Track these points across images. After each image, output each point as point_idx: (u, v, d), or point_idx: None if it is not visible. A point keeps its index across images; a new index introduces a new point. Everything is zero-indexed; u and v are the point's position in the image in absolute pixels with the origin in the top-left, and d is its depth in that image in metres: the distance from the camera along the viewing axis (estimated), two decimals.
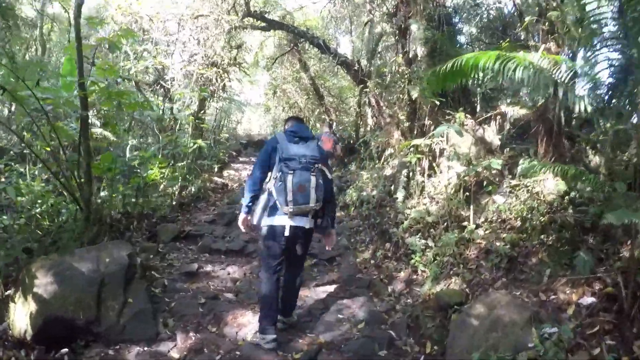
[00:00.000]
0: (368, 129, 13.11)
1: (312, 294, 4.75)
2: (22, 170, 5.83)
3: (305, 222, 3.41)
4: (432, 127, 6.94)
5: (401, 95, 7.10)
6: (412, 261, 4.94)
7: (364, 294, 4.71)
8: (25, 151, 6.57)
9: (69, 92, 5.58)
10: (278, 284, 3.56)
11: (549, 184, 4.54)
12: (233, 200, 8.74)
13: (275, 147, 3.44)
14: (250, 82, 21.87)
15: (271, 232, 3.42)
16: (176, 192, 8.31)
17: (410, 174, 6.58)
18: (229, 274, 5.26)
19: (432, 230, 5.53)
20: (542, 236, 4.01)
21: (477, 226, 4.90)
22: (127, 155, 8.78)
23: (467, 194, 5.38)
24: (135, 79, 10.85)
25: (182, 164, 8.92)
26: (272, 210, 3.39)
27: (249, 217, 3.56)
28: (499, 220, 4.79)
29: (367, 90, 10.03)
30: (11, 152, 6.90)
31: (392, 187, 7.14)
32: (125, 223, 5.78)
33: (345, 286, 4.98)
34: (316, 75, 14.17)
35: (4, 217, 4.73)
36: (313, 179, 3.28)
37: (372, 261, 5.83)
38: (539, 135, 4.88)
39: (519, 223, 4.50)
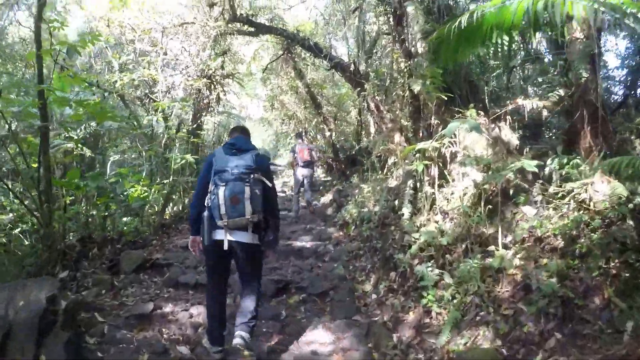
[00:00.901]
0: (371, 137, 12.09)
1: (296, 349, 3.62)
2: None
3: (244, 237, 3.22)
4: (440, 128, 5.86)
5: (401, 93, 6.01)
6: (424, 300, 3.80)
7: (362, 345, 3.58)
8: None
9: (61, 108, 5.46)
10: (218, 302, 3.46)
11: (601, 188, 3.41)
12: None
13: (211, 161, 3.35)
14: (248, 95, 21.11)
15: (207, 247, 3.28)
16: (156, 213, 7.35)
17: (418, 184, 5.46)
18: (190, 316, 4.14)
19: (447, 255, 4.43)
20: (601, 262, 2.87)
21: (505, 247, 3.79)
22: (108, 171, 7.86)
23: (490, 206, 4.28)
24: (120, 92, 9.93)
25: (167, 181, 7.91)
26: (212, 225, 3.22)
27: (198, 239, 3.41)
28: (534, 239, 3.67)
29: (365, 93, 8.97)
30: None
31: (397, 202, 6.03)
32: (81, 250, 4.77)
33: (340, 333, 3.84)
34: (312, 83, 13.14)
35: None
36: (247, 189, 3.15)
37: (374, 295, 4.70)
38: (581, 123, 3.75)
39: (561, 243, 3.38)
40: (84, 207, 5.39)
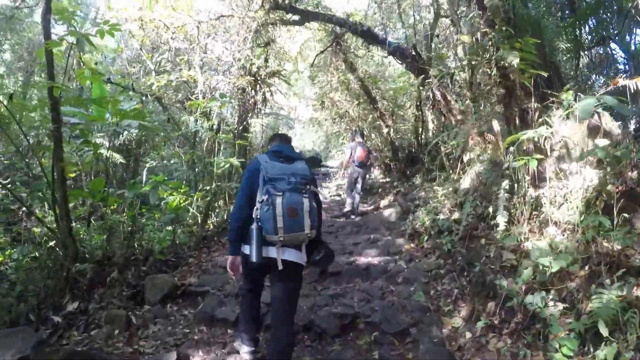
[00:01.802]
0: (430, 133, 10.87)
1: None
2: None
3: (298, 256, 2.88)
4: (537, 115, 4.63)
5: (489, 71, 4.79)
6: (558, 355, 2.64)
7: None
8: None
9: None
10: (254, 306, 3.29)
11: None
12: None
13: (258, 168, 2.91)
14: (296, 95, 20.36)
15: (253, 264, 2.82)
16: (197, 224, 6.56)
17: (516, 186, 4.28)
18: None
19: (569, 282, 3.29)
20: None
21: None
22: (144, 179, 7.21)
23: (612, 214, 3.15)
24: (157, 95, 9.30)
25: (209, 187, 7.10)
26: (263, 241, 2.80)
27: (238, 260, 3.05)
28: None
29: (430, 81, 7.80)
30: None
31: (483, 207, 4.85)
32: (97, 273, 3.94)
33: None
34: (365, 76, 12.01)
35: None
36: (306, 201, 2.79)
37: (468, 334, 3.57)
38: None
39: None
40: (110, 221, 4.62)
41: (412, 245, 5.73)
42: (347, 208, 8.79)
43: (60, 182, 4.24)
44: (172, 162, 9.73)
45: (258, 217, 2.78)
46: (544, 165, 4.42)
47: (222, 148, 9.19)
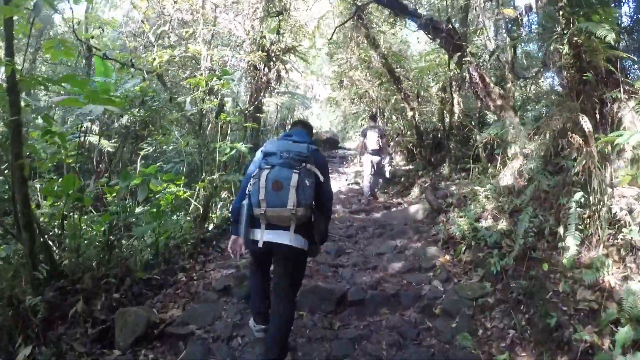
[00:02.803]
0: (455, 117, 9.87)
1: None
2: None
3: (285, 237, 2.69)
4: (616, 106, 3.65)
5: (560, 47, 3.73)
6: None
7: None
8: None
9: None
10: (261, 285, 3.06)
11: None
12: None
13: (262, 150, 2.88)
14: (313, 73, 19.35)
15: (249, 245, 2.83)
16: (193, 226, 5.65)
17: (592, 199, 3.33)
18: None
19: None
20: None
21: None
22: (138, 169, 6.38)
23: None
24: (157, 71, 8.41)
25: (210, 178, 6.16)
26: (251, 220, 2.80)
27: (240, 240, 2.89)
28: None
29: (467, 59, 6.77)
30: None
31: (542, 219, 3.92)
32: (57, 307, 3.12)
33: None
34: (389, 53, 10.90)
35: None
36: (295, 176, 2.65)
37: None
38: None
39: None
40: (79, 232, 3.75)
41: (448, 257, 4.82)
42: (364, 199, 8.95)
43: (20, 184, 3.43)
44: (171, 148, 8.82)
45: (249, 191, 2.76)
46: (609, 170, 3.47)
47: (229, 131, 8.36)
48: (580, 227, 3.39)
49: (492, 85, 6.92)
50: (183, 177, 5.98)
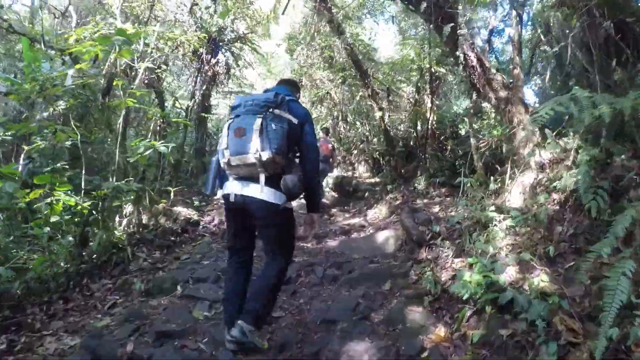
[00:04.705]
0: (429, 124, 8.19)
1: None
2: None
3: (255, 190, 2.47)
4: None
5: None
6: None
7: None
8: None
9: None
10: (237, 273, 2.73)
11: None
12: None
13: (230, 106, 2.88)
14: (271, 73, 17.61)
15: (224, 204, 2.70)
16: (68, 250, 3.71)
17: None
18: None
19: None
20: None
21: None
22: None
23: None
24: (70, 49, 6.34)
25: (103, 190, 4.42)
26: (222, 174, 2.69)
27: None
28: None
29: (462, 34, 4.97)
30: None
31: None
32: None
33: None
34: (355, 41, 8.97)
35: None
36: (259, 121, 2.44)
37: None
38: None
39: None
40: None
41: (442, 331, 2.82)
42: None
43: None
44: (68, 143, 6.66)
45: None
46: None
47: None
48: None
49: (493, 71, 5.12)
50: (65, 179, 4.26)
